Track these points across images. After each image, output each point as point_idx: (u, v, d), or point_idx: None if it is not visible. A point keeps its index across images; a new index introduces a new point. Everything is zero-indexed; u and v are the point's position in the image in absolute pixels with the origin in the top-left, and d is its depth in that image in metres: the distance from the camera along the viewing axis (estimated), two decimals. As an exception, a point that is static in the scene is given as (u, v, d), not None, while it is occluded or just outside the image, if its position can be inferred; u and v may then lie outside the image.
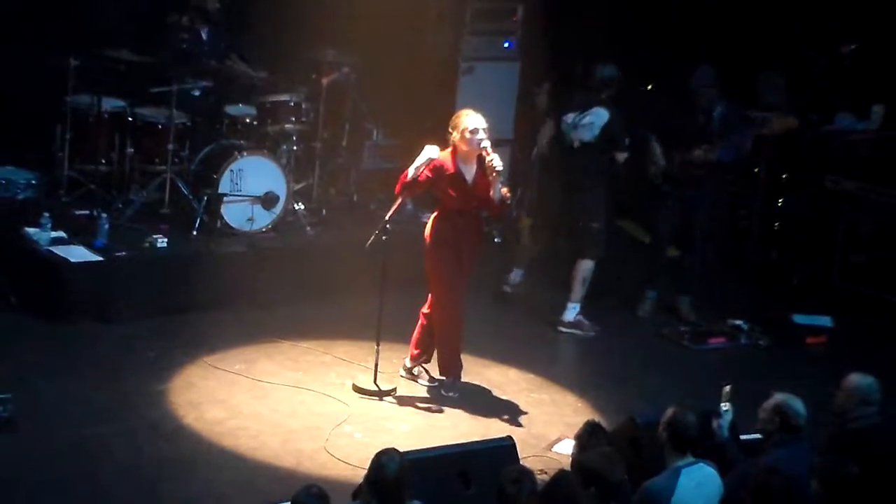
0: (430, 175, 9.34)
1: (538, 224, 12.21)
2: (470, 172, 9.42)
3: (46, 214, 10.59)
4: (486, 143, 9.33)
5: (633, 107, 12.57)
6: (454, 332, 9.63)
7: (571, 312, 11.23)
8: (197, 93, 11.64)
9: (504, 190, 9.43)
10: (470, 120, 9.34)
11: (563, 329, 11.21)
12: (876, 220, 12.43)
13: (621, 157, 11.10)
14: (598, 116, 11.03)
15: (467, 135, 9.31)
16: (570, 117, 11.18)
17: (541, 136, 11.94)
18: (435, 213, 9.61)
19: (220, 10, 11.94)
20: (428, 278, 9.61)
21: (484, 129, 9.34)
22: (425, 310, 9.69)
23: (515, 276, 11.87)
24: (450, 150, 9.41)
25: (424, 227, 9.66)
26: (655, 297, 11.54)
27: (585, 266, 11.21)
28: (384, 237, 9.38)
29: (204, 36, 11.90)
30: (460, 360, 9.71)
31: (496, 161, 9.30)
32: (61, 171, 11.30)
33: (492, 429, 9.11)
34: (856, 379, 7.51)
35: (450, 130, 9.40)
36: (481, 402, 9.62)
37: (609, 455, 6.58)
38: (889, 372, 8.19)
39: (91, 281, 10.34)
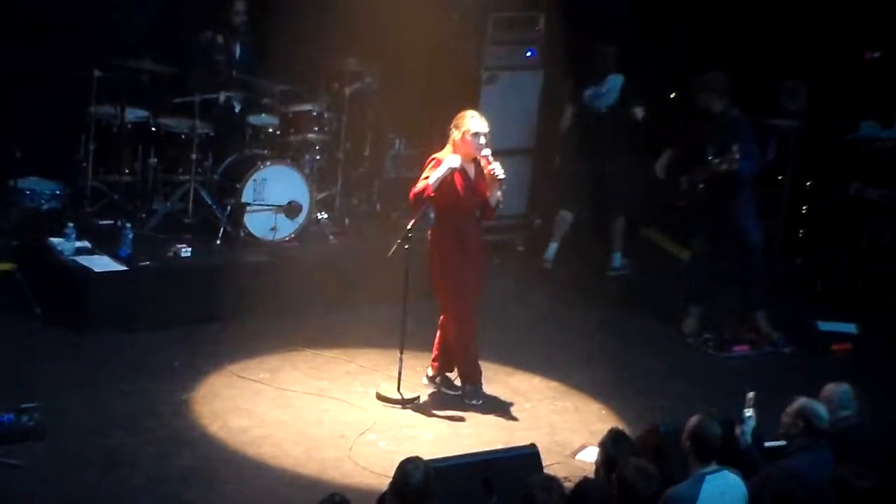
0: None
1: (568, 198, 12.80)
2: (471, 170, 9.46)
3: (71, 225, 10.64)
4: (487, 151, 9.34)
5: (656, 118, 12.64)
6: (469, 338, 9.63)
7: (618, 259, 12.75)
8: (233, 104, 11.66)
9: (499, 194, 9.46)
10: (474, 123, 9.36)
11: (614, 273, 12.68)
12: (900, 228, 12.39)
13: (639, 112, 12.31)
14: (615, 81, 12.27)
15: (468, 137, 9.34)
16: (589, 91, 12.24)
17: (563, 120, 12.59)
18: (433, 224, 9.63)
19: (247, 21, 11.98)
20: (435, 287, 9.63)
21: (486, 135, 9.36)
22: (441, 320, 9.70)
23: (550, 251, 12.75)
24: (450, 148, 9.42)
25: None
26: (699, 314, 11.46)
27: (622, 222, 12.68)
28: (406, 246, 9.40)
29: (237, 52, 11.96)
30: (479, 366, 9.72)
31: (497, 169, 9.33)
32: (85, 181, 11.33)
33: (515, 437, 9.10)
34: (831, 388, 7.75)
35: (451, 128, 9.41)
36: (505, 409, 9.62)
37: (645, 470, 6.56)
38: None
39: (115, 291, 10.38)
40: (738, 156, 10.74)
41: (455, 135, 9.40)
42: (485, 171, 9.40)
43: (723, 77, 11.15)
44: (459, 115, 9.51)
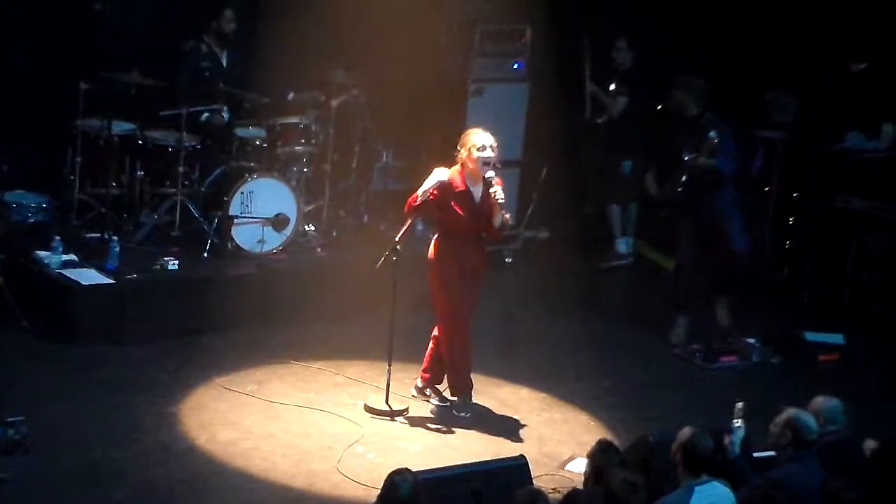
0: (437, 193, 9.35)
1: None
2: (478, 192, 9.44)
3: (57, 238, 10.62)
4: (491, 174, 9.34)
5: (648, 130, 12.72)
6: (463, 353, 9.62)
7: (624, 245, 13.35)
8: (221, 116, 11.67)
9: (506, 216, 9.47)
10: (478, 138, 9.37)
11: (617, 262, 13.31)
12: (886, 239, 12.40)
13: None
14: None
15: (475, 152, 9.33)
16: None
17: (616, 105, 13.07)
18: (436, 235, 9.62)
19: (236, 30, 11.98)
20: (433, 301, 9.62)
21: (492, 147, 9.36)
22: (435, 333, 9.69)
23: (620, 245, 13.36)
24: (458, 168, 9.43)
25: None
26: (685, 323, 11.48)
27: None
28: (394, 258, 9.39)
29: (224, 61, 11.97)
30: (471, 380, 9.71)
31: (499, 193, 9.32)
32: (72, 194, 11.32)
33: (504, 448, 9.09)
34: (821, 401, 7.74)
35: (458, 148, 9.42)
36: (493, 421, 9.61)
37: (632, 482, 6.55)
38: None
39: (102, 304, 10.36)
40: (716, 140, 10.75)
41: (462, 153, 9.40)
42: (490, 196, 9.37)
43: (700, 82, 11.20)
44: (464, 133, 9.52)
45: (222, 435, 8.98)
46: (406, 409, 9.58)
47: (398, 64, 12.47)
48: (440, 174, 9.39)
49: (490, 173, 9.35)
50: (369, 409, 9.53)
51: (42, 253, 10.57)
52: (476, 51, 13.06)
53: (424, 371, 9.78)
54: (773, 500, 6.58)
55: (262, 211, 11.26)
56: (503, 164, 9.75)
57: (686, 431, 6.96)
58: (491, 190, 9.33)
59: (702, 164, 10.88)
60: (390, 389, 9.55)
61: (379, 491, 6.48)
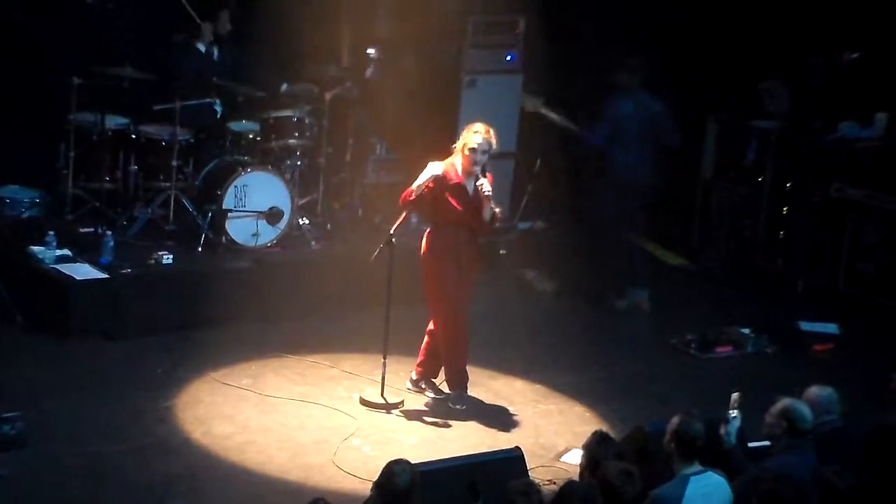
0: (432, 186, 9.35)
1: None
2: (471, 185, 9.45)
3: (51, 233, 10.61)
4: (478, 168, 9.34)
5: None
6: (459, 347, 9.62)
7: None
8: (214, 110, 11.66)
9: (496, 209, 9.49)
10: (473, 138, 9.35)
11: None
12: (881, 228, 12.41)
13: None
14: None
15: (466, 151, 9.35)
16: None
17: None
18: (429, 229, 9.62)
19: (231, 30, 12.01)
20: (427, 294, 9.61)
21: (484, 153, 9.35)
22: (430, 327, 9.69)
23: None
24: (453, 160, 9.43)
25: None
26: (646, 296, 11.81)
27: None
28: (389, 251, 9.38)
29: (215, 56, 11.96)
30: (467, 374, 9.72)
31: (485, 186, 9.34)
32: (66, 189, 11.31)
33: (500, 440, 9.10)
34: (815, 391, 7.72)
35: (456, 141, 9.44)
36: (489, 413, 9.62)
37: (628, 472, 6.56)
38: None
39: (97, 298, 10.35)
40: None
41: (458, 147, 9.42)
42: (477, 188, 9.39)
43: (636, 58, 11.69)
44: (467, 127, 9.52)
45: (218, 429, 8.98)
46: (402, 402, 9.58)
47: (391, 56, 12.44)
48: (434, 168, 9.39)
49: (477, 168, 9.36)
50: (365, 403, 9.53)
51: (36, 248, 10.56)
52: (468, 43, 13.04)
53: (419, 364, 9.78)
54: (778, 494, 6.55)
55: (257, 204, 11.26)
56: (497, 156, 9.76)
57: (675, 419, 6.98)
58: (478, 182, 9.34)
59: (564, 126, 11.40)
60: (386, 382, 9.56)
61: (376, 478, 6.47)
